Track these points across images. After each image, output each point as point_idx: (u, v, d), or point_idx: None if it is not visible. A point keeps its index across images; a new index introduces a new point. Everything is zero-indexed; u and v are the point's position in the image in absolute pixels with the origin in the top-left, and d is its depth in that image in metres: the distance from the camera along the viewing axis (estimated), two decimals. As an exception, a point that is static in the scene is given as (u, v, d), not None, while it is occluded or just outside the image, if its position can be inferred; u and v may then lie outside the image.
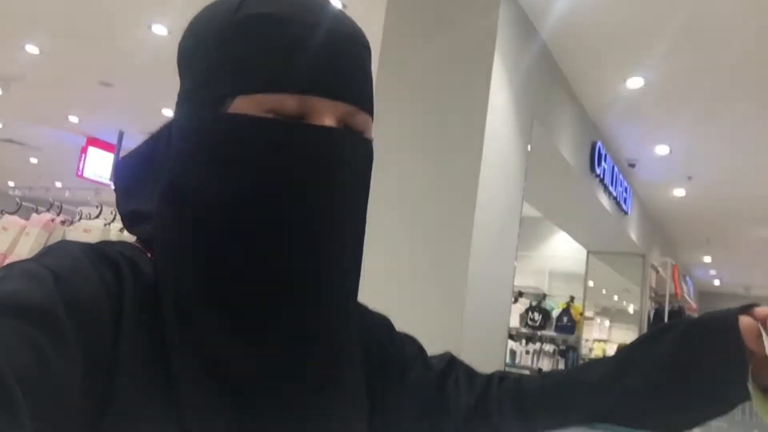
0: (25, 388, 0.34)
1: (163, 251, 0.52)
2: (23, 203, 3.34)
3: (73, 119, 7.71)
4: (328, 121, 0.51)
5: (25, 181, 13.05)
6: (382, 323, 0.72)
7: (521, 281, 7.10)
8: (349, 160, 0.52)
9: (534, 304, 7.20)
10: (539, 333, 6.93)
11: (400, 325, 0.74)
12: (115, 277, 0.47)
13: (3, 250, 2.21)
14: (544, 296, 7.48)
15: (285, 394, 0.51)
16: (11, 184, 13.52)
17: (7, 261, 2.16)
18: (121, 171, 0.61)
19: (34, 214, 2.35)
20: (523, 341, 6.98)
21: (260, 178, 0.49)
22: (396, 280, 2.63)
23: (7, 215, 2.73)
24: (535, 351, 6.84)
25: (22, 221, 2.29)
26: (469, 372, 0.73)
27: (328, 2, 0.56)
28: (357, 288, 0.59)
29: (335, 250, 0.53)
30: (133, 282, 0.48)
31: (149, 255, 0.53)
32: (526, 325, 7.02)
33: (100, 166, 8.09)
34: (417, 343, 0.74)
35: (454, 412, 0.68)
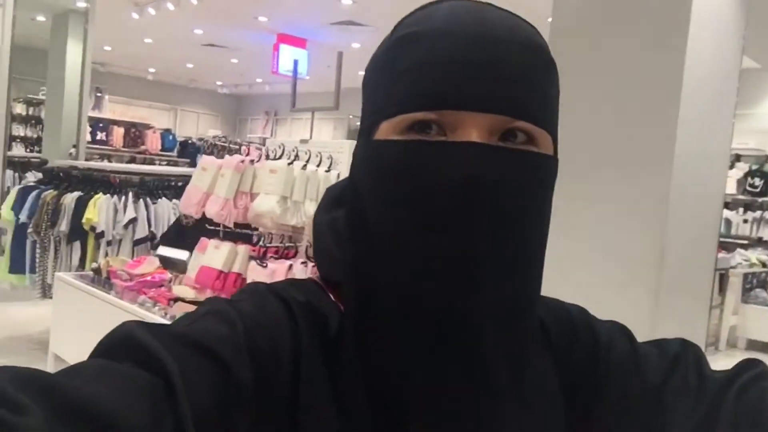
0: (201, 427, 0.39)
1: (350, 290, 0.52)
2: (217, 142, 3.71)
3: (262, 19, 8.18)
4: (475, 136, 0.45)
5: (230, 80, 14.34)
6: (582, 322, 0.61)
7: (739, 143, 6.68)
8: (502, 176, 0.46)
9: (754, 168, 6.76)
10: (760, 200, 6.56)
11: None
12: (293, 324, 0.49)
13: (205, 189, 2.53)
14: (767, 158, 6.94)
15: None
16: (219, 83, 14.89)
17: (209, 200, 2.49)
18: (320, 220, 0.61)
19: (227, 156, 2.64)
20: (741, 210, 6.65)
21: (405, 206, 0.47)
22: (599, 146, 2.55)
23: (204, 156, 3.10)
24: (755, 219, 6.52)
25: (219, 161, 2.58)
26: (701, 373, 0.57)
27: (495, 9, 0.49)
28: (534, 305, 0.52)
29: (498, 279, 0.47)
30: (309, 330, 0.49)
31: (332, 296, 0.54)
32: (745, 191, 6.66)
33: (291, 61, 8.52)
34: (624, 334, 0.60)
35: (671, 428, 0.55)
